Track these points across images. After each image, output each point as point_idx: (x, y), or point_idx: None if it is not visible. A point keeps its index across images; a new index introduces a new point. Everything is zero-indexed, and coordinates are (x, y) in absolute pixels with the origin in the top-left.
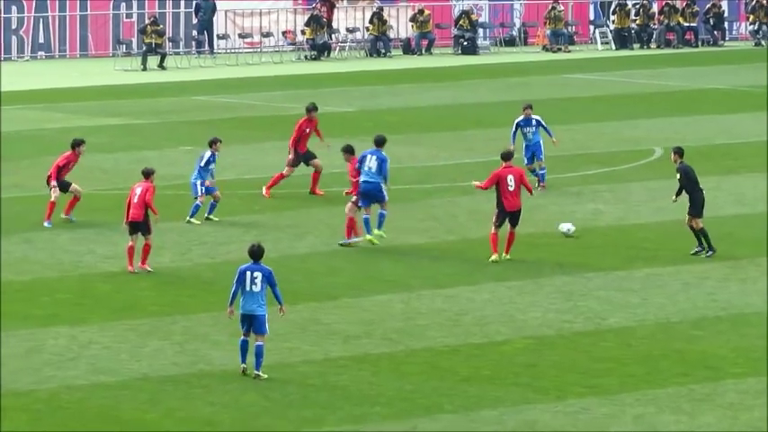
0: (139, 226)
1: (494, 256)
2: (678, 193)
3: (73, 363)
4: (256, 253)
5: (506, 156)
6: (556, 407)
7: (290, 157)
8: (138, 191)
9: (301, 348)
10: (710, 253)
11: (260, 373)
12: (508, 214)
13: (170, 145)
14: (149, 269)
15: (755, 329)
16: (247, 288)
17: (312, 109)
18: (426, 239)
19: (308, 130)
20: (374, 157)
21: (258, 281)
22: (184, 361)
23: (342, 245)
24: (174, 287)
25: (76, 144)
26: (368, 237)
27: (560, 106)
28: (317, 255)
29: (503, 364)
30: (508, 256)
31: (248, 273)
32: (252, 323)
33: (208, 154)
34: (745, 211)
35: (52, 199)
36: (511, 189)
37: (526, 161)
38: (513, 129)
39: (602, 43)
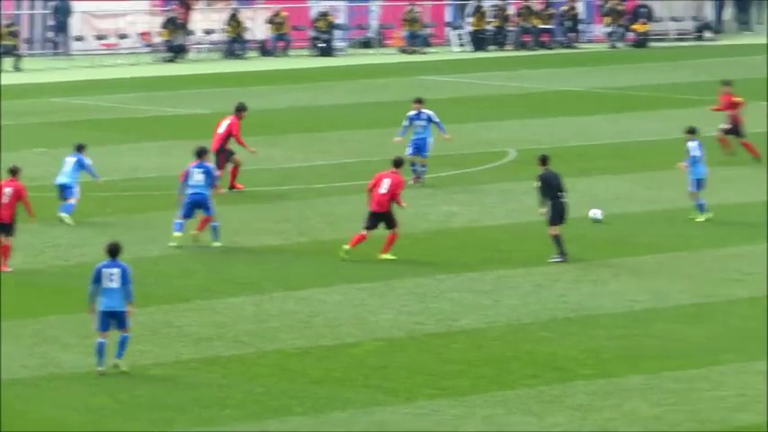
0: (6, 227)
1: (345, 247)
2: (541, 204)
3: None
4: (114, 250)
5: (396, 163)
6: (406, 408)
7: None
8: (8, 191)
9: (153, 351)
10: (560, 259)
11: (120, 363)
12: (371, 214)
13: (26, 147)
14: (9, 270)
15: (605, 331)
16: (106, 285)
17: (243, 108)
18: (280, 241)
19: (235, 131)
20: (199, 170)
21: (116, 277)
22: (34, 363)
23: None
24: (26, 289)
25: None
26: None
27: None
28: (170, 257)
29: (353, 365)
30: (387, 256)
31: (105, 270)
32: (114, 319)
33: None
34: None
35: None
36: (381, 191)
37: (410, 153)
38: (406, 122)
39: (458, 45)
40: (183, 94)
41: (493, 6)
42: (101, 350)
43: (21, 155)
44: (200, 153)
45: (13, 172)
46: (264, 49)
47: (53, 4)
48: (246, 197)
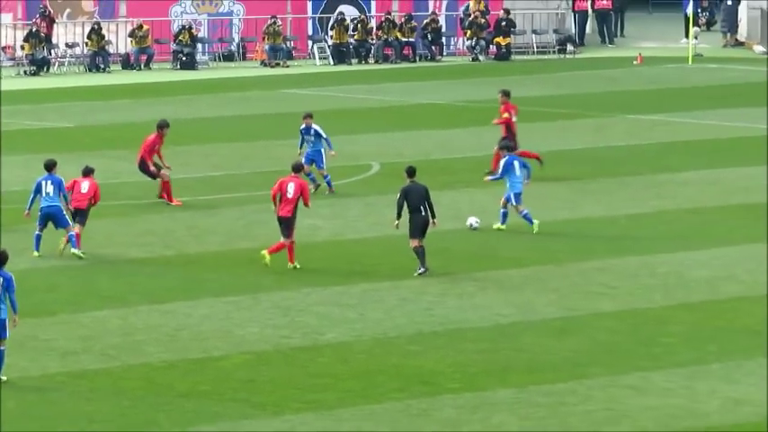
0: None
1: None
2: (398, 216)
3: None
4: (1, 259)
5: (295, 168)
6: (274, 422)
7: (152, 169)
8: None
9: (19, 364)
10: (422, 270)
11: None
12: (280, 220)
13: None
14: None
15: (472, 345)
16: None
17: (165, 125)
18: (144, 254)
19: (157, 147)
20: (50, 182)
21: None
22: None
23: None
24: None
25: None
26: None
27: (277, 121)
28: (36, 271)
29: (221, 379)
30: (295, 265)
31: None
32: None
33: None
34: (461, 226)
35: None
36: (288, 196)
37: (306, 164)
38: (300, 137)
39: (320, 58)
40: (47, 108)
41: (354, 20)
42: None
43: None
44: (50, 166)
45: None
46: (127, 63)
47: None
48: (111, 210)
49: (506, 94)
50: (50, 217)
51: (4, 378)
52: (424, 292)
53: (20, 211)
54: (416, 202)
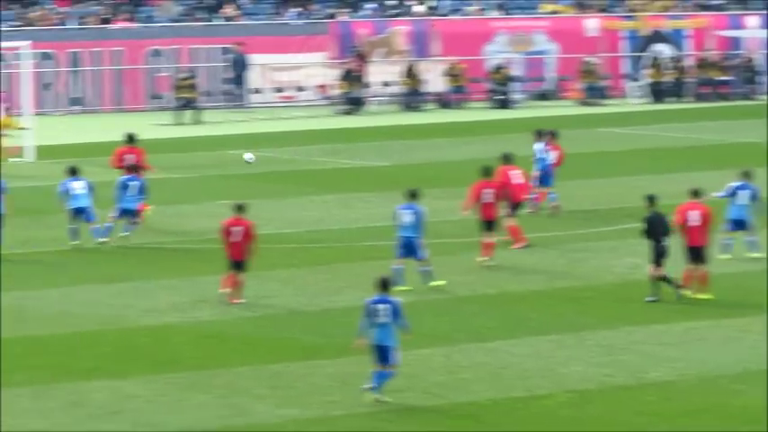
0: (239, 264)
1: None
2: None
3: (116, 416)
4: (384, 284)
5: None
6: None
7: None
8: (237, 230)
9: (344, 402)
10: (652, 299)
11: (378, 396)
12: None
13: (207, 198)
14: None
15: None
16: (378, 320)
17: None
18: (467, 292)
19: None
20: (408, 212)
21: (388, 312)
22: (227, 414)
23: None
24: (214, 341)
25: None
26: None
27: (595, 160)
28: (357, 309)
29: (545, 417)
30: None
31: (377, 305)
32: (382, 354)
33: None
34: None
35: None
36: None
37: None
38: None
39: (636, 97)
40: (362, 147)
41: (671, 58)
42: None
43: (202, 207)
44: (413, 195)
45: (240, 209)
46: (442, 102)
47: (231, 56)
48: (433, 249)
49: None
50: (406, 248)
51: (387, 398)
52: (748, 330)
53: (336, 249)
54: (657, 230)
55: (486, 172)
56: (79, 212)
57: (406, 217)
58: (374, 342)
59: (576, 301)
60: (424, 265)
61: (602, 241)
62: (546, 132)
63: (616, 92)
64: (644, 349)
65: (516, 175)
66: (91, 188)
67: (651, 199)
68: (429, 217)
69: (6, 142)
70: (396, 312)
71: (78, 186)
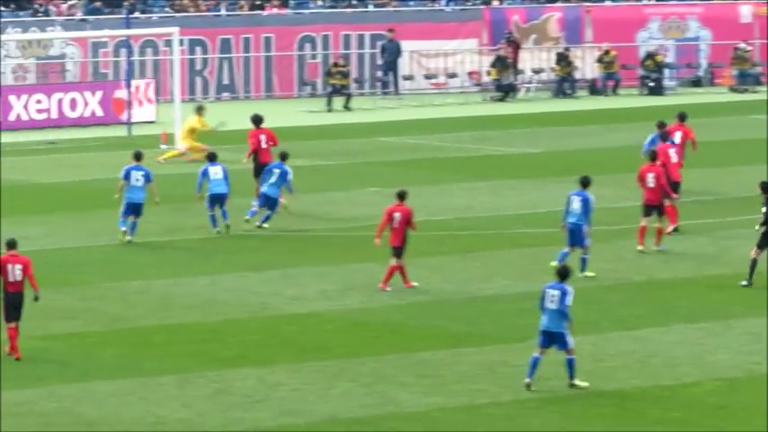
0: (397, 250)
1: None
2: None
3: (261, 405)
4: (563, 273)
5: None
6: None
7: None
8: (397, 215)
9: (489, 390)
10: (745, 283)
11: (575, 382)
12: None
13: (357, 186)
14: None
15: None
16: (547, 305)
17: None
18: (615, 280)
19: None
20: (578, 198)
21: (556, 299)
22: (372, 402)
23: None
24: (361, 328)
25: None
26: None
27: (746, 147)
28: (505, 297)
29: (692, 406)
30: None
31: (548, 290)
32: (553, 340)
33: None
34: None
35: None
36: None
37: None
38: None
39: None
40: (513, 134)
41: None
42: (533, 364)
43: (352, 194)
44: (584, 183)
45: (401, 196)
46: (594, 88)
47: (382, 43)
48: None
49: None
50: (572, 235)
51: (584, 383)
52: None
53: (486, 237)
54: None
55: (652, 156)
56: (217, 198)
57: (576, 203)
58: (541, 327)
59: (725, 288)
60: (584, 253)
61: (752, 228)
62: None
63: None
64: None
65: (673, 155)
66: (227, 175)
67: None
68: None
69: (196, 143)
70: (561, 300)
71: (215, 171)
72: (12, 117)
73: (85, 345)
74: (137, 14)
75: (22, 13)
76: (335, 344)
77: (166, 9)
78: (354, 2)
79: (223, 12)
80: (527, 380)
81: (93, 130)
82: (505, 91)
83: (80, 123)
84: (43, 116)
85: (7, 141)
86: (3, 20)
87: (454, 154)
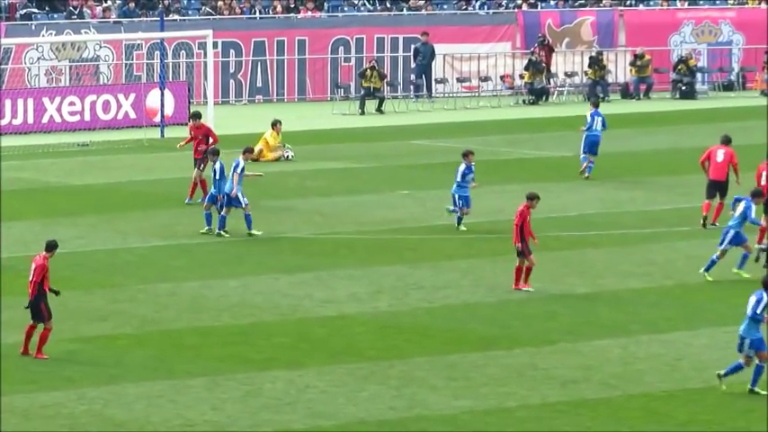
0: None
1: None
2: None
3: (290, 407)
4: (763, 281)
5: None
6: None
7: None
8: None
9: (518, 393)
10: None
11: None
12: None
13: (389, 189)
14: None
15: None
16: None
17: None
18: (644, 284)
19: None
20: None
21: (750, 305)
22: (401, 405)
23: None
24: (391, 331)
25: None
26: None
27: None
28: (535, 300)
29: (721, 408)
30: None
31: (750, 298)
32: (752, 345)
33: (463, 167)
34: None
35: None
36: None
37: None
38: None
39: None
40: (545, 137)
41: None
42: (735, 367)
43: (384, 197)
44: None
45: (532, 198)
46: (626, 92)
47: (415, 46)
48: (611, 240)
49: None
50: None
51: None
52: None
53: (543, 239)
54: None
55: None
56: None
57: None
58: (739, 332)
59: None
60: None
61: None
62: None
63: None
64: None
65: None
66: (223, 172)
67: None
68: (610, 208)
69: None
70: (754, 306)
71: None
72: (45, 119)
73: (116, 347)
74: (171, 17)
75: (56, 16)
76: (365, 346)
77: (200, 11)
78: (389, 5)
79: (257, 14)
80: (721, 371)
81: (125, 132)
82: (538, 94)
83: (113, 126)
84: (76, 118)
85: (40, 143)
86: (37, 22)
87: (486, 157)
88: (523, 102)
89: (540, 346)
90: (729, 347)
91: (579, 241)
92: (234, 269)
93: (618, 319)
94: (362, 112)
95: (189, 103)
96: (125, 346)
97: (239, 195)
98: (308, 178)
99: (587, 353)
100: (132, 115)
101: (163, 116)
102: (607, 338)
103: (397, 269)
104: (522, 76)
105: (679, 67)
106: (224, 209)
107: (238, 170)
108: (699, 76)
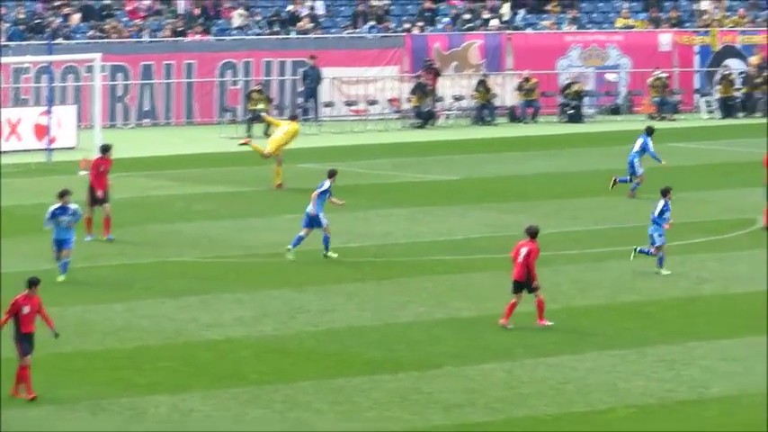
0: (521, 285)
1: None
2: None
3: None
4: None
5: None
6: None
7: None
8: (524, 251)
9: (403, 417)
10: None
11: None
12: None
13: (275, 212)
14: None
15: None
16: None
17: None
18: (530, 308)
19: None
20: None
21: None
22: (286, 429)
23: None
24: (276, 355)
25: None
26: None
27: (665, 174)
28: (420, 323)
29: None
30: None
31: None
32: None
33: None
34: None
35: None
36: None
37: None
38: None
39: (707, 112)
40: (432, 161)
41: (741, 73)
42: None
43: (270, 220)
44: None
45: (532, 234)
46: (513, 116)
47: (303, 70)
48: (497, 264)
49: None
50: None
51: None
52: None
53: (403, 264)
54: None
55: None
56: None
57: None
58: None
59: (640, 315)
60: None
61: (669, 256)
62: None
63: (686, 107)
64: (706, 364)
65: None
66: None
67: None
68: (497, 231)
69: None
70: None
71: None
72: None
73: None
74: (59, 40)
75: None
76: (250, 370)
77: (89, 35)
78: (276, 28)
79: (145, 38)
80: None
81: (12, 156)
82: (425, 118)
83: None
84: None
85: None
86: None
87: (372, 180)
88: (410, 125)
89: (425, 369)
90: (613, 371)
91: (465, 265)
92: (120, 294)
93: (503, 343)
94: (250, 136)
95: (77, 127)
96: (9, 371)
97: (319, 216)
98: (195, 202)
99: (472, 377)
100: (20, 139)
101: (50, 140)
102: (492, 362)
103: (284, 293)
104: (409, 100)
105: (567, 92)
106: (303, 230)
107: (323, 190)
108: (586, 99)
